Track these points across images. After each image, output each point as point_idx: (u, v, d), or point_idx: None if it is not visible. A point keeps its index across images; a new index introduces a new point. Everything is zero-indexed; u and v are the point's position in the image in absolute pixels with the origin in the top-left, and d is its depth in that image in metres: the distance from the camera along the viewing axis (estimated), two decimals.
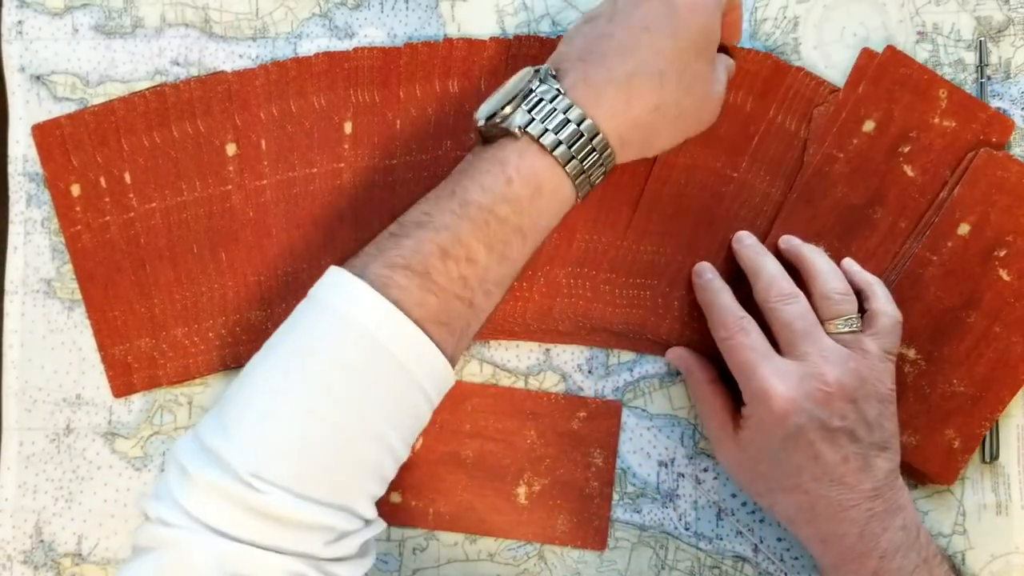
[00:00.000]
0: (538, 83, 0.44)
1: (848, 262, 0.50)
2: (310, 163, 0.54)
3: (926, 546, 0.46)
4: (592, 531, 0.52)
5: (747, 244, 0.51)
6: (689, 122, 0.48)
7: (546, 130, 0.43)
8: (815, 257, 0.49)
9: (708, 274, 0.51)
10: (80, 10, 0.56)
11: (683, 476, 0.53)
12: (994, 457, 0.52)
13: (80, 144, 0.55)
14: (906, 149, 0.52)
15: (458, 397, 0.53)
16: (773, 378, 0.45)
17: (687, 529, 0.53)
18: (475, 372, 0.54)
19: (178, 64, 0.56)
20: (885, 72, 0.53)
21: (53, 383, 0.54)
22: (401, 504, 0.53)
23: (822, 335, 0.47)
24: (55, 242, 0.55)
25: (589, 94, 0.44)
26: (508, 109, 0.44)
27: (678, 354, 0.52)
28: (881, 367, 0.47)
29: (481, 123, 0.44)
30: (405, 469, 0.52)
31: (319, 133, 0.54)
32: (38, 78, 0.56)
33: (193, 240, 0.54)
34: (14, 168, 0.56)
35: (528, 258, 0.45)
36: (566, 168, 0.44)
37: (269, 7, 0.56)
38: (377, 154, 0.54)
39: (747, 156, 0.53)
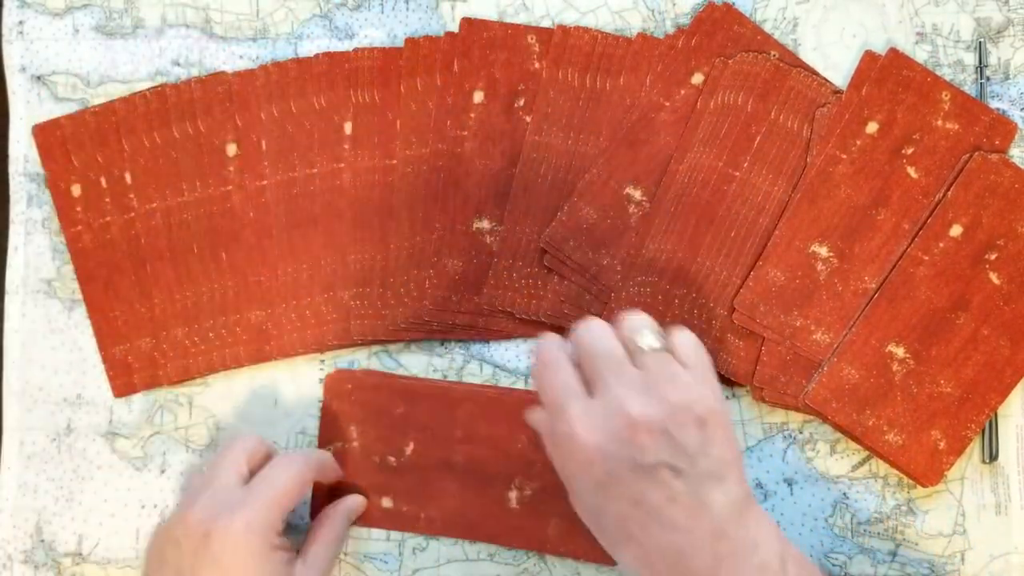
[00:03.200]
0: None
1: None
2: (310, 163, 0.54)
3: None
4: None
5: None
6: None
7: None
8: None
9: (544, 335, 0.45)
10: (81, 10, 0.56)
11: None
12: (993, 457, 0.52)
13: (81, 144, 0.55)
14: (909, 151, 0.52)
15: (449, 403, 0.53)
16: (578, 422, 0.40)
17: None
18: (475, 372, 0.54)
19: (178, 64, 0.56)
20: (888, 74, 0.53)
21: (54, 383, 0.54)
22: (392, 509, 0.53)
23: (624, 362, 0.41)
24: (55, 242, 0.55)
25: None
26: None
27: (538, 414, 0.45)
28: (694, 384, 0.41)
29: None
30: (396, 474, 0.53)
31: (319, 133, 0.54)
32: (39, 78, 0.56)
33: (193, 240, 0.54)
34: (15, 168, 0.56)
35: None
36: None
37: (270, 8, 0.56)
38: (377, 154, 0.54)
39: (749, 156, 0.53)
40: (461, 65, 0.54)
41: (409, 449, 0.53)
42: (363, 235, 0.54)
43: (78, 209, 0.54)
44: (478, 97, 0.54)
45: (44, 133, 0.55)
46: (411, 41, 0.54)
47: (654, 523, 0.39)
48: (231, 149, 0.55)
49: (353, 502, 0.52)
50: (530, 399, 0.52)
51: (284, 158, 0.54)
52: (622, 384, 0.41)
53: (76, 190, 0.55)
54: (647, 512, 0.39)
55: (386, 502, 0.53)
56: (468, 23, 0.55)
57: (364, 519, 0.53)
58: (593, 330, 0.43)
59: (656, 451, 0.39)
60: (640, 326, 0.43)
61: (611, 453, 0.39)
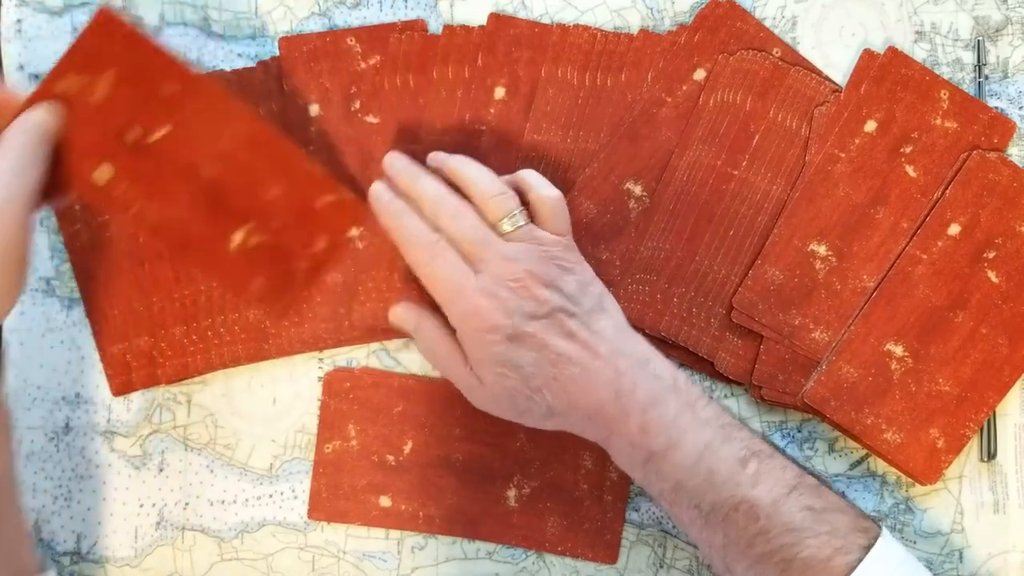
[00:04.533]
0: None
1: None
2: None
3: (687, 391, 0.46)
4: (603, 544, 0.52)
5: (400, 168, 0.49)
6: None
7: None
8: (464, 166, 0.49)
9: (386, 195, 0.49)
10: (79, 9, 0.56)
11: None
12: (992, 456, 0.52)
13: None
14: (908, 149, 0.52)
15: (448, 400, 0.53)
16: (478, 295, 0.45)
17: None
18: None
19: None
20: (887, 73, 0.53)
21: (52, 382, 0.54)
22: (391, 508, 0.53)
23: (496, 239, 0.47)
24: (54, 241, 0.55)
25: None
26: None
27: (404, 308, 0.50)
28: (559, 249, 0.47)
29: None
30: (395, 473, 0.53)
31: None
32: (37, 77, 0.55)
33: None
34: None
35: None
36: None
37: (268, 6, 0.56)
38: (405, 137, 0.54)
39: (748, 154, 0.53)
40: (485, 60, 0.54)
41: (408, 448, 0.53)
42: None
43: (76, 208, 0.54)
44: (499, 93, 0.54)
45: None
46: (448, 28, 0.54)
47: (563, 361, 0.45)
48: None
49: (39, 113, 0.45)
50: None
51: None
52: (500, 256, 0.46)
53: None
54: (556, 351, 0.45)
55: (384, 501, 0.53)
56: (496, 18, 0.54)
57: (363, 518, 0.53)
58: (461, 216, 0.47)
59: (550, 300, 0.45)
60: (505, 209, 0.47)
61: (514, 310, 0.45)
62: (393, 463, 0.53)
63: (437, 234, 0.47)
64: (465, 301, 0.46)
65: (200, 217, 0.47)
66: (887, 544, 0.43)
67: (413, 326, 0.50)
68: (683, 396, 0.45)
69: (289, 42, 0.54)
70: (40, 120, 0.45)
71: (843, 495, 0.45)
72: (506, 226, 0.47)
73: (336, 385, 0.53)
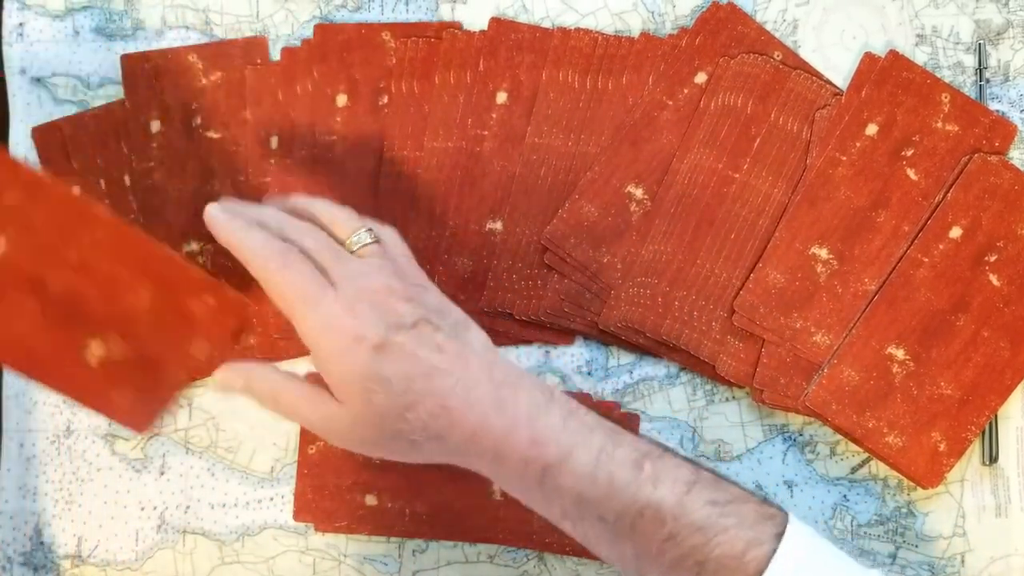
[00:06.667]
0: None
1: None
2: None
3: (565, 399, 0.43)
4: None
5: (222, 221, 0.44)
6: None
7: None
8: (303, 199, 0.47)
9: (224, 212, 0.44)
10: (81, 12, 0.56)
11: None
12: (993, 459, 0.52)
13: (80, 147, 0.55)
14: (909, 153, 0.52)
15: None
16: (336, 306, 0.42)
17: None
18: None
19: None
20: (888, 76, 0.53)
21: None
22: (377, 506, 0.52)
23: (348, 257, 0.44)
24: None
25: None
26: None
27: (226, 369, 0.45)
28: (409, 266, 0.45)
29: None
30: (381, 471, 0.52)
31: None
32: (39, 80, 0.56)
33: None
34: None
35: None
36: None
37: (270, 9, 0.56)
38: (409, 144, 0.54)
39: (749, 157, 0.53)
40: (487, 65, 0.54)
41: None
42: (387, 221, 0.54)
43: None
44: (501, 98, 0.54)
45: (43, 135, 0.55)
46: (450, 34, 0.54)
47: (435, 375, 0.42)
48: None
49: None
50: None
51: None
52: (356, 271, 0.43)
53: (75, 192, 0.54)
54: (425, 364, 0.42)
55: (370, 499, 0.52)
56: (497, 23, 0.55)
57: (348, 522, 0.52)
58: (309, 233, 0.44)
59: (412, 311, 0.42)
60: (351, 226, 0.45)
61: (375, 321, 0.42)
62: (378, 461, 0.53)
63: (287, 243, 0.43)
64: (324, 313, 0.42)
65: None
66: (797, 529, 0.40)
67: (244, 381, 0.45)
68: (564, 404, 0.43)
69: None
70: None
71: (737, 483, 0.42)
72: (355, 243, 0.44)
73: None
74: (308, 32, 0.55)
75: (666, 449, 0.43)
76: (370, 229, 0.45)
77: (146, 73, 0.54)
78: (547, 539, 0.52)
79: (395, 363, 0.42)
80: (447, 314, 0.44)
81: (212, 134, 0.54)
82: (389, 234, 0.46)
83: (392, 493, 0.52)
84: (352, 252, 0.44)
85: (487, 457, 0.42)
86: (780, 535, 0.40)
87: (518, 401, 0.42)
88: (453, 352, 0.42)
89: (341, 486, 0.53)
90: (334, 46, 0.54)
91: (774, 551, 0.39)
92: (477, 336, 0.44)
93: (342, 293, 0.42)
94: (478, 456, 0.42)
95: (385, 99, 0.54)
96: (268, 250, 0.43)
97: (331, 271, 0.43)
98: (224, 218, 0.44)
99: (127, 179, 0.54)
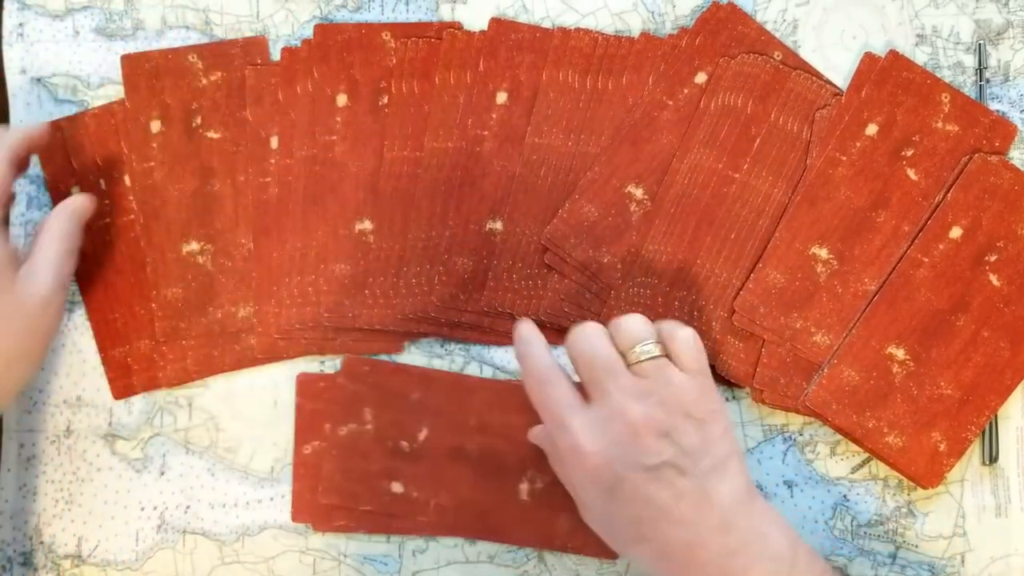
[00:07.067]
0: None
1: None
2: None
3: (807, 568, 0.42)
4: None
5: (526, 336, 0.45)
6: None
7: None
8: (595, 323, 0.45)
9: (525, 331, 0.45)
10: (81, 12, 0.56)
11: None
12: (993, 459, 0.52)
13: (80, 146, 0.55)
14: (909, 153, 0.52)
15: (465, 391, 0.53)
16: (581, 433, 0.41)
17: None
18: (475, 373, 0.54)
19: None
20: (888, 76, 0.53)
21: (53, 385, 0.54)
22: (402, 494, 0.52)
23: (623, 371, 0.42)
24: None
25: None
26: None
27: (538, 428, 0.48)
28: (691, 387, 0.42)
29: None
30: (408, 460, 0.52)
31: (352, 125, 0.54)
32: (39, 80, 0.56)
33: None
34: None
35: None
36: None
37: (270, 9, 0.56)
38: (409, 144, 0.54)
39: (749, 158, 0.53)
40: (487, 65, 0.54)
41: (423, 435, 0.53)
42: (386, 222, 0.54)
43: None
44: (501, 98, 0.54)
45: None
46: (450, 34, 0.54)
47: (663, 521, 0.40)
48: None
49: (78, 200, 0.50)
50: None
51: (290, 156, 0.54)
52: (621, 391, 0.41)
53: (75, 192, 0.54)
54: (656, 511, 0.40)
55: (396, 487, 0.52)
56: (497, 23, 0.55)
57: (374, 504, 0.52)
58: (590, 337, 0.43)
59: (660, 453, 0.40)
60: (637, 335, 0.43)
61: (616, 458, 0.41)
62: (407, 450, 0.52)
63: (555, 362, 0.44)
64: (567, 436, 0.42)
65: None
66: None
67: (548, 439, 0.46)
68: None
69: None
70: (78, 207, 0.50)
71: None
72: (636, 356, 0.42)
73: (309, 387, 0.53)
74: (308, 32, 0.55)
75: None
76: (656, 343, 0.43)
77: (146, 73, 0.54)
78: (570, 544, 0.52)
79: (626, 504, 0.41)
80: (703, 456, 0.41)
81: (212, 134, 0.54)
82: (683, 342, 0.43)
83: (418, 483, 0.52)
84: (631, 364, 0.42)
85: None
86: None
87: (747, 574, 0.40)
88: (691, 502, 0.40)
89: (369, 471, 0.52)
90: (334, 46, 0.54)
91: None
92: (732, 485, 0.41)
93: (594, 416, 0.42)
94: None
95: (385, 99, 0.54)
96: (535, 366, 0.43)
97: (597, 385, 0.42)
98: (524, 330, 0.45)
99: (127, 179, 0.54)
